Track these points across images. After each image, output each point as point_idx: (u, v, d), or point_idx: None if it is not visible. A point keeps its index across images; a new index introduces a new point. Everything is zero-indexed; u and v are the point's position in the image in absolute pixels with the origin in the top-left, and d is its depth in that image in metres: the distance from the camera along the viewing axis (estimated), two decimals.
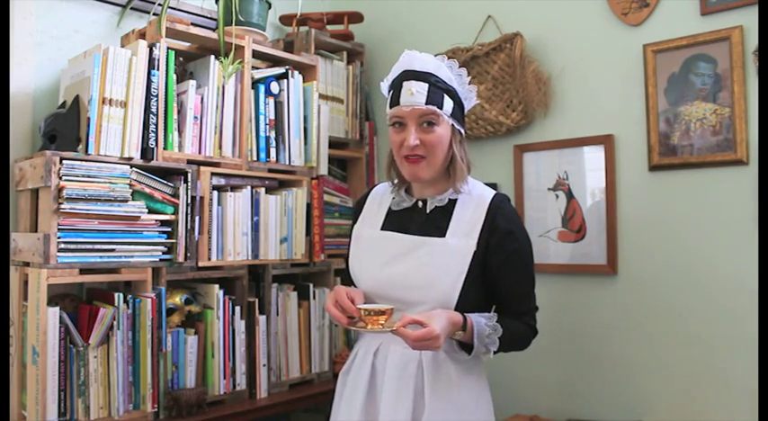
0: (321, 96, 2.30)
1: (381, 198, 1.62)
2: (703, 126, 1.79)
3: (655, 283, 1.87)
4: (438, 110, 1.43)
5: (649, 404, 1.87)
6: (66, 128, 1.71)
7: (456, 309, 1.42)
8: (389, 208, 1.57)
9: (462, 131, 1.51)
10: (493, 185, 2.18)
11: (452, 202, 1.50)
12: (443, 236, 1.46)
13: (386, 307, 1.38)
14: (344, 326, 1.44)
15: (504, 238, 1.45)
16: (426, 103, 1.41)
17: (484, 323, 1.41)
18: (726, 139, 1.74)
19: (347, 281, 1.66)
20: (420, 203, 1.53)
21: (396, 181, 1.57)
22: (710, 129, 1.77)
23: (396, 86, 1.47)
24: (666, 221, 1.85)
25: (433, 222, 1.49)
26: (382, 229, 1.55)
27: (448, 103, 1.45)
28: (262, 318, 2.02)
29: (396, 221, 1.54)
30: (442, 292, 1.42)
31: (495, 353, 1.44)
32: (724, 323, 1.74)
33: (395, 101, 1.46)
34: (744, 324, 1.69)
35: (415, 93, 1.42)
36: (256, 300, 2.01)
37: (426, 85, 1.43)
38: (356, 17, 2.50)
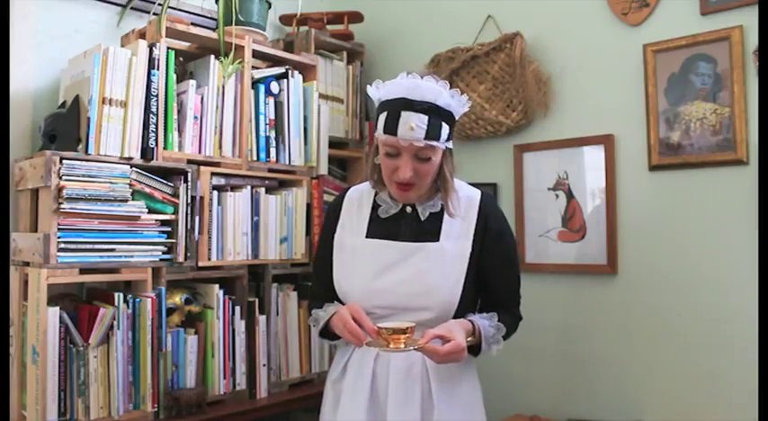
0: (321, 96, 2.30)
1: (360, 203, 1.57)
2: (703, 126, 1.79)
3: (655, 283, 1.87)
4: (436, 143, 1.38)
5: (649, 404, 1.87)
6: (66, 128, 1.71)
7: (457, 311, 1.44)
8: (374, 215, 1.53)
9: (451, 145, 1.47)
10: (493, 185, 2.19)
11: (441, 206, 1.50)
12: (437, 240, 1.46)
13: (407, 324, 1.34)
14: (360, 345, 1.38)
15: (496, 239, 1.49)
16: (425, 138, 1.37)
17: (488, 325, 1.45)
18: (726, 139, 1.74)
19: (317, 290, 1.61)
20: (409, 209, 1.51)
21: (376, 185, 1.54)
22: (710, 129, 1.77)
23: (392, 112, 1.38)
24: (666, 221, 1.85)
25: (425, 227, 1.48)
26: (368, 237, 1.51)
27: (445, 130, 1.40)
28: (262, 318, 2.02)
29: (382, 228, 1.51)
30: (444, 296, 1.43)
31: None
32: (724, 323, 1.74)
33: (390, 128, 1.38)
34: (743, 324, 1.69)
35: (415, 127, 1.36)
36: (256, 300, 2.01)
37: (426, 117, 1.36)
38: (356, 17, 2.50)
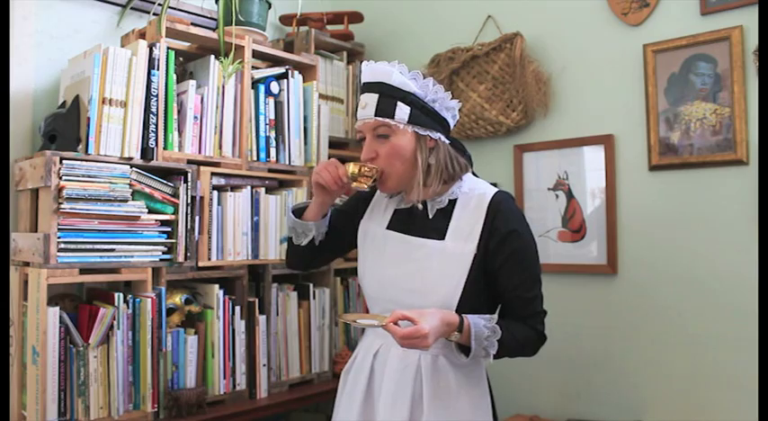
0: (321, 96, 2.30)
1: (390, 194, 1.57)
2: (703, 126, 1.79)
3: (655, 283, 1.87)
4: (389, 120, 1.39)
5: (649, 404, 1.87)
6: (66, 128, 1.71)
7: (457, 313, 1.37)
8: (396, 207, 1.55)
9: (435, 135, 1.42)
10: (493, 185, 2.19)
11: (452, 203, 1.46)
12: (443, 238, 1.42)
13: (372, 166, 1.43)
14: (334, 187, 1.50)
15: (503, 240, 1.39)
16: (376, 115, 1.40)
17: (482, 324, 1.34)
18: (726, 139, 1.74)
19: None
20: (420, 205, 1.47)
21: None
22: (710, 129, 1.77)
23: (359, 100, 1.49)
24: (666, 221, 1.85)
25: (434, 223, 1.45)
26: (388, 228, 1.52)
27: (402, 110, 1.39)
28: (262, 318, 2.02)
29: (400, 221, 1.51)
30: (442, 297, 1.38)
31: (497, 357, 1.36)
32: (724, 323, 1.74)
33: (356, 115, 1.49)
34: (744, 324, 1.69)
35: (366, 105, 1.42)
36: (256, 300, 2.01)
37: (376, 95, 1.40)
38: (356, 17, 2.51)
